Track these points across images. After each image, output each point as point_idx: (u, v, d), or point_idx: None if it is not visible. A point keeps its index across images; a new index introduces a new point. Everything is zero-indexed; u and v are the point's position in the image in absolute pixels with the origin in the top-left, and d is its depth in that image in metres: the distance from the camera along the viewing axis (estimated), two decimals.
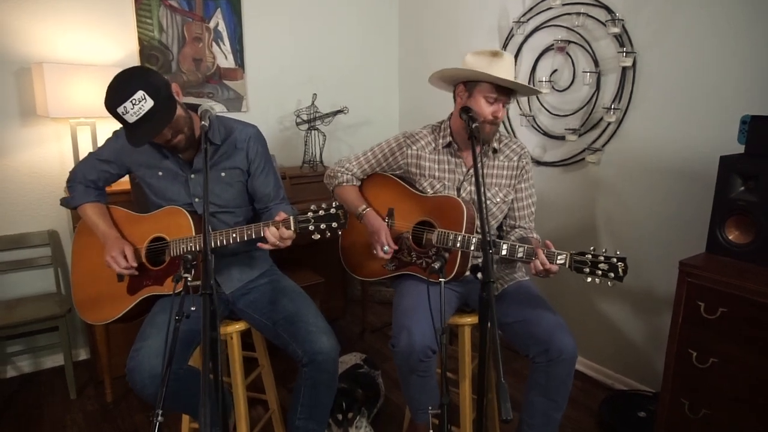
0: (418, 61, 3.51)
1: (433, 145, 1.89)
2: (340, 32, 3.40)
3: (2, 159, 2.54)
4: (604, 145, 2.45)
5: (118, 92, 1.50)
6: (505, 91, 1.72)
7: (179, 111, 1.60)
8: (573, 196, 2.63)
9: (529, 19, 2.67)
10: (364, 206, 1.89)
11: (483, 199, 1.31)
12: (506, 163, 1.88)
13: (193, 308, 1.22)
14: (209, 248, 1.22)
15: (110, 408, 2.41)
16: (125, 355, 1.59)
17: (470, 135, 1.53)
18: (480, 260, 1.82)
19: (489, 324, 1.19)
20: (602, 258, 1.49)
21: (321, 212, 1.49)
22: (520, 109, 2.79)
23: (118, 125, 1.63)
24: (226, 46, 3.01)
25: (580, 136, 2.53)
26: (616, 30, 2.27)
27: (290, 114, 3.23)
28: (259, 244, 1.56)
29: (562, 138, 2.61)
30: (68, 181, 1.86)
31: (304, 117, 3.13)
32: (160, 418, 1.12)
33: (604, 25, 2.34)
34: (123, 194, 2.34)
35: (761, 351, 1.59)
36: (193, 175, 1.75)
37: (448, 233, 1.71)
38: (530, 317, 1.68)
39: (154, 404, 1.17)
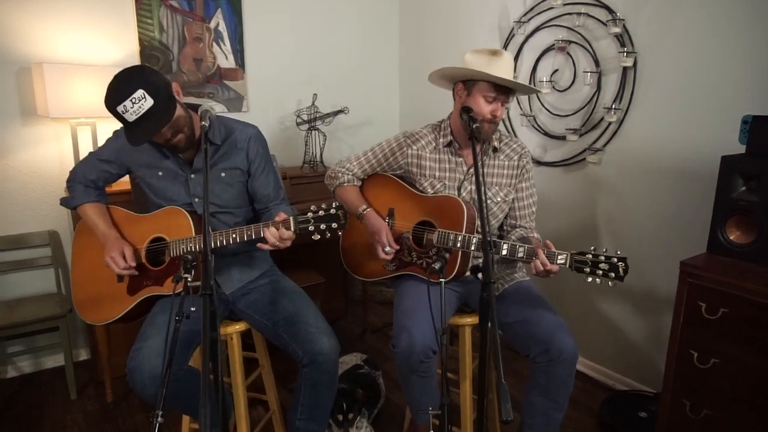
0: (418, 60, 3.51)
1: (434, 144, 1.89)
2: (340, 32, 3.40)
3: (3, 159, 2.54)
4: (604, 145, 2.45)
5: (118, 91, 1.50)
6: (504, 90, 1.72)
7: (179, 110, 1.60)
8: (574, 196, 2.63)
9: (529, 19, 2.67)
10: (365, 206, 1.88)
11: (483, 198, 1.31)
12: (507, 163, 1.88)
13: (193, 309, 1.21)
14: (209, 249, 1.22)
15: (111, 408, 2.41)
16: (126, 355, 1.58)
17: (471, 135, 1.53)
18: (480, 260, 1.82)
19: (489, 324, 1.18)
20: (603, 258, 1.49)
21: (321, 213, 1.49)
22: (521, 109, 2.79)
23: (118, 125, 1.63)
24: (227, 46, 3.01)
25: (580, 136, 2.53)
26: (617, 30, 2.27)
27: (291, 114, 3.23)
28: (258, 245, 1.56)
29: (562, 138, 2.61)
30: (68, 180, 1.86)
31: (305, 117, 3.13)
32: (160, 418, 1.12)
33: (605, 25, 2.33)
34: (123, 194, 2.34)
35: (761, 351, 1.59)
36: (193, 175, 1.75)
37: (449, 233, 1.71)
38: (531, 317, 1.68)
39: (154, 405, 1.17)
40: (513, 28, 2.74)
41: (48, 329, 2.51)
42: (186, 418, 1.89)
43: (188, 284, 1.27)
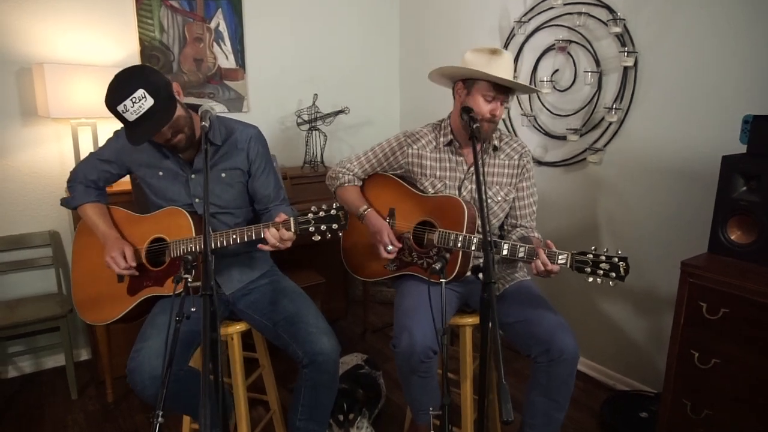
0: (419, 60, 3.51)
1: (434, 143, 1.89)
2: (341, 32, 3.40)
3: (3, 159, 2.54)
4: (605, 145, 2.44)
5: (118, 90, 1.50)
6: (503, 89, 1.72)
7: (180, 110, 1.60)
8: (574, 196, 2.63)
9: (530, 19, 2.66)
10: (365, 206, 1.88)
11: (484, 197, 1.31)
12: (507, 162, 1.88)
13: (193, 309, 1.21)
14: (209, 249, 1.21)
15: (111, 408, 2.41)
16: (126, 355, 1.59)
17: (471, 135, 1.53)
18: (481, 260, 1.82)
19: (490, 325, 1.18)
20: (604, 258, 1.49)
21: (321, 213, 1.49)
22: (522, 109, 2.78)
23: (119, 126, 1.63)
24: (227, 46, 3.01)
25: (581, 136, 2.53)
26: (618, 30, 2.27)
27: (291, 114, 3.23)
28: (259, 246, 1.56)
29: (563, 138, 2.60)
30: (69, 181, 1.86)
31: (305, 117, 3.13)
32: (160, 419, 1.12)
33: (606, 25, 2.33)
34: (124, 194, 2.34)
35: (762, 351, 1.58)
36: (193, 176, 1.74)
37: (449, 233, 1.71)
38: (531, 317, 1.68)
39: (154, 405, 1.17)
40: (513, 28, 2.74)
41: (49, 329, 2.51)
42: (186, 419, 1.89)
43: (188, 285, 1.27)
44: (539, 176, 2.69)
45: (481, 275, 1.25)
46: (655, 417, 2.00)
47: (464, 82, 1.76)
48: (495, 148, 1.87)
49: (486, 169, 1.86)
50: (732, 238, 1.76)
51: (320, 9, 3.29)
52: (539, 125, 2.72)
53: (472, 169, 1.85)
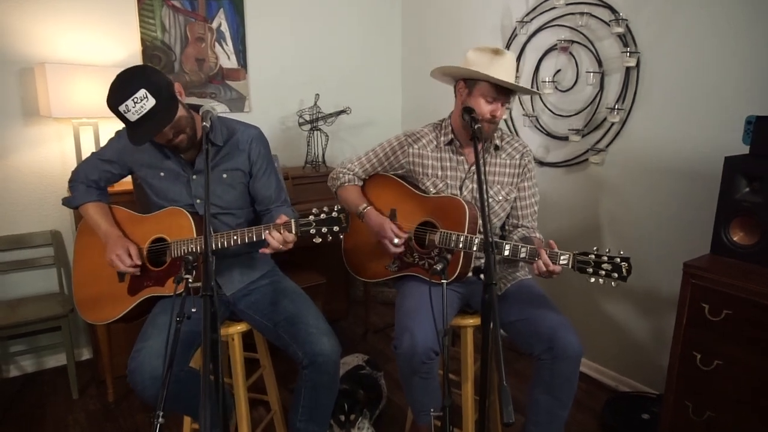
0: (421, 60, 3.51)
1: (435, 143, 1.89)
2: (342, 32, 3.40)
3: (5, 159, 2.54)
4: (607, 146, 2.44)
5: (120, 90, 1.50)
6: (505, 91, 1.72)
7: (181, 111, 1.60)
8: (576, 197, 2.62)
9: (532, 19, 2.66)
10: (365, 205, 1.88)
11: (485, 197, 1.30)
12: (508, 161, 1.88)
13: (193, 309, 1.21)
14: (210, 250, 1.21)
15: (112, 408, 2.41)
16: (127, 354, 1.58)
17: (473, 136, 1.52)
18: (482, 261, 1.81)
19: (491, 326, 1.18)
20: (605, 258, 1.48)
21: (323, 216, 1.48)
22: (523, 109, 2.78)
23: (120, 126, 1.63)
24: (229, 46, 3.01)
25: (583, 136, 2.52)
26: (620, 30, 2.26)
27: (293, 114, 3.23)
28: (261, 250, 1.56)
29: (565, 138, 2.60)
30: (70, 180, 1.86)
31: (307, 117, 3.13)
32: (160, 419, 1.11)
33: (608, 25, 2.33)
34: (125, 194, 2.35)
35: (764, 353, 1.58)
36: (194, 176, 1.74)
37: (451, 234, 1.71)
38: (534, 316, 1.68)
39: (155, 406, 1.17)
40: (515, 28, 2.73)
41: (50, 329, 2.51)
42: (187, 419, 1.89)
43: (189, 285, 1.27)
44: (541, 177, 2.68)
45: (482, 276, 1.25)
46: (657, 419, 2.00)
47: (466, 81, 1.76)
48: (496, 148, 1.86)
49: (487, 169, 1.86)
50: (734, 239, 1.75)
51: (322, 9, 3.29)
52: (541, 126, 2.71)
53: (474, 168, 1.85)
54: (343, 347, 1.73)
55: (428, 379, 1.69)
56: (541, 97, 2.69)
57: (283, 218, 1.52)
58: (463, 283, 1.83)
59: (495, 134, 1.84)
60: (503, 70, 1.68)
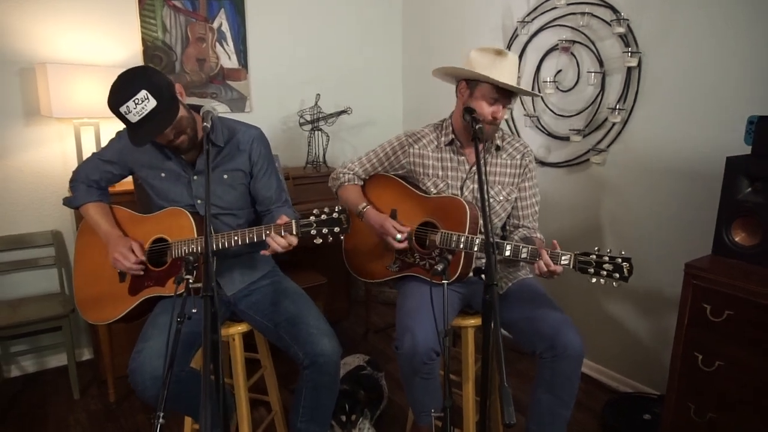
0: (421, 60, 3.50)
1: (435, 143, 1.89)
2: (343, 32, 3.40)
3: (6, 159, 2.54)
4: (608, 146, 2.43)
5: (121, 91, 1.50)
6: (506, 93, 1.71)
7: (182, 111, 1.60)
8: (577, 197, 2.62)
9: (533, 19, 2.66)
10: (364, 204, 1.88)
11: (486, 197, 1.30)
12: (509, 161, 1.87)
13: (194, 310, 1.21)
14: (211, 250, 1.21)
15: (113, 408, 2.41)
16: (128, 354, 1.58)
17: (473, 136, 1.52)
18: (483, 261, 1.81)
19: (492, 326, 1.18)
20: (607, 258, 1.48)
21: (323, 216, 1.48)
22: (525, 109, 2.78)
23: (121, 126, 1.63)
24: (230, 46, 3.01)
25: (584, 136, 2.52)
26: (621, 30, 2.26)
27: (294, 114, 3.23)
28: (262, 252, 1.56)
29: (566, 139, 2.59)
30: (71, 180, 1.86)
31: (308, 117, 3.13)
32: (161, 420, 1.11)
33: (609, 25, 2.32)
34: (126, 194, 2.35)
35: (766, 353, 1.57)
36: (195, 177, 1.74)
37: (452, 234, 1.70)
38: (535, 314, 1.68)
39: (155, 406, 1.17)
40: (516, 28, 2.73)
41: (51, 329, 2.52)
42: (188, 419, 1.89)
43: (190, 285, 1.26)
44: (542, 177, 2.68)
45: (483, 276, 1.24)
46: (658, 419, 1.99)
47: (468, 82, 1.76)
48: (497, 148, 1.86)
49: (488, 169, 1.85)
50: (736, 239, 1.75)
51: (323, 9, 3.29)
52: (542, 126, 2.71)
53: (474, 168, 1.84)
54: (344, 347, 1.72)
55: (429, 379, 1.69)
56: (542, 98, 2.69)
57: (283, 219, 1.52)
58: (464, 283, 1.83)
59: (496, 134, 1.84)
60: (506, 72, 1.68)
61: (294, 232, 1.50)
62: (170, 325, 1.18)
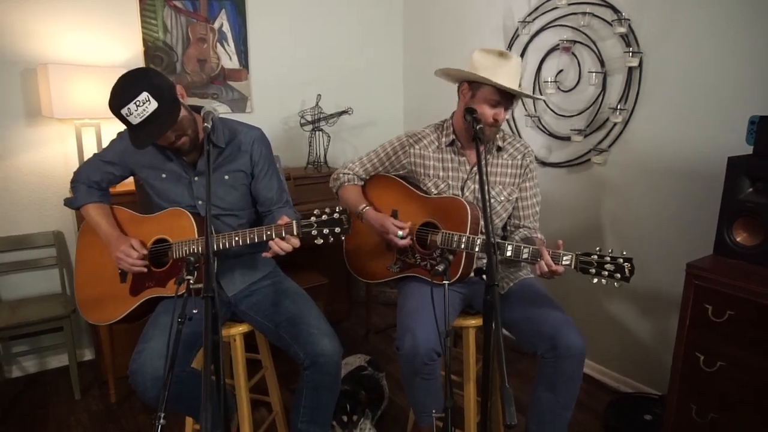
0: (422, 60, 3.50)
1: (436, 143, 1.89)
2: (344, 33, 3.40)
3: (7, 159, 2.54)
4: (610, 146, 2.43)
5: (122, 94, 1.50)
6: (508, 96, 1.71)
7: (183, 113, 1.60)
8: (578, 197, 2.62)
9: (534, 19, 2.65)
10: (364, 205, 1.88)
11: (487, 197, 1.30)
12: (510, 162, 1.87)
13: (195, 311, 1.21)
14: (212, 251, 1.21)
15: (114, 408, 2.41)
16: (129, 355, 1.58)
17: (474, 136, 1.52)
18: (484, 261, 1.81)
19: (493, 326, 1.17)
20: (608, 259, 1.48)
21: (324, 217, 1.48)
22: (526, 109, 2.77)
23: (122, 127, 1.63)
24: (231, 47, 3.01)
25: (585, 136, 2.51)
26: (623, 30, 2.26)
27: (294, 115, 3.23)
28: (264, 254, 1.55)
29: (567, 139, 2.59)
30: (72, 181, 1.86)
31: (309, 118, 3.13)
32: (162, 421, 1.11)
33: (611, 25, 2.32)
34: (127, 195, 2.35)
35: (767, 354, 1.57)
36: (196, 178, 1.74)
37: (453, 235, 1.70)
38: (536, 315, 1.67)
39: (156, 407, 1.17)
40: (517, 29, 2.73)
41: (52, 329, 2.51)
42: (189, 420, 1.89)
43: (191, 286, 1.26)
44: (543, 177, 2.68)
45: (484, 276, 1.24)
46: (660, 420, 1.99)
47: (470, 84, 1.76)
48: (498, 149, 1.86)
49: (489, 169, 1.85)
50: (738, 240, 1.75)
51: (323, 9, 3.29)
52: (543, 126, 2.71)
53: (475, 169, 1.84)
54: (345, 348, 1.72)
55: (430, 380, 1.68)
56: (543, 98, 2.69)
57: (284, 219, 1.52)
58: (465, 283, 1.83)
59: (497, 135, 1.84)
60: (509, 75, 1.68)
61: (295, 233, 1.50)
62: (171, 326, 1.18)
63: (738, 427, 1.67)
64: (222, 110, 3.02)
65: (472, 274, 1.80)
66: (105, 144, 1.85)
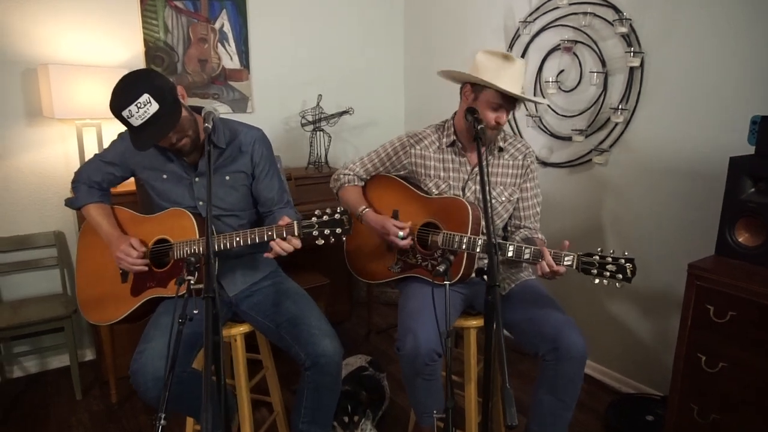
0: (423, 61, 3.50)
1: (437, 144, 1.89)
2: (345, 33, 3.40)
3: (8, 160, 2.55)
4: (611, 146, 2.43)
5: (123, 95, 1.49)
6: (511, 99, 1.71)
7: (184, 114, 1.59)
8: (580, 198, 2.61)
9: (535, 19, 2.65)
10: (364, 206, 1.87)
11: (488, 197, 1.30)
12: (511, 162, 1.87)
13: (196, 311, 1.21)
14: (212, 251, 1.21)
15: (115, 408, 2.41)
16: (130, 355, 1.58)
17: (475, 136, 1.52)
18: (485, 261, 1.81)
19: (495, 326, 1.17)
20: (610, 259, 1.48)
21: (325, 217, 1.48)
22: (527, 110, 2.77)
23: (123, 127, 1.63)
24: (232, 47, 3.01)
25: (587, 137, 2.51)
26: (624, 30, 2.25)
27: (295, 115, 3.23)
28: (265, 254, 1.55)
29: (568, 139, 2.59)
30: (73, 181, 1.86)
31: (310, 118, 3.13)
32: (162, 421, 1.11)
33: (612, 25, 2.32)
34: (128, 195, 2.35)
35: None
36: (197, 179, 1.74)
37: (454, 235, 1.70)
38: (538, 316, 1.67)
39: (157, 407, 1.17)
40: (518, 29, 2.73)
41: (53, 330, 2.51)
42: (190, 420, 1.89)
43: (191, 286, 1.26)
44: (544, 177, 2.68)
45: (485, 277, 1.24)
46: (661, 421, 1.99)
47: (473, 86, 1.75)
48: (500, 149, 1.86)
49: (490, 170, 1.85)
50: (740, 240, 1.74)
51: (324, 9, 3.29)
52: (545, 126, 2.71)
53: (476, 170, 1.84)
54: (346, 348, 1.72)
55: (431, 380, 1.68)
56: (544, 98, 2.68)
57: (285, 220, 1.51)
58: (466, 284, 1.82)
59: (498, 136, 1.83)
60: (512, 78, 1.67)
61: (296, 233, 1.50)
62: (172, 326, 1.18)
63: (740, 427, 1.67)
64: (223, 110, 3.02)
65: (474, 275, 1.80)
66: (106, 144, 1.85)
